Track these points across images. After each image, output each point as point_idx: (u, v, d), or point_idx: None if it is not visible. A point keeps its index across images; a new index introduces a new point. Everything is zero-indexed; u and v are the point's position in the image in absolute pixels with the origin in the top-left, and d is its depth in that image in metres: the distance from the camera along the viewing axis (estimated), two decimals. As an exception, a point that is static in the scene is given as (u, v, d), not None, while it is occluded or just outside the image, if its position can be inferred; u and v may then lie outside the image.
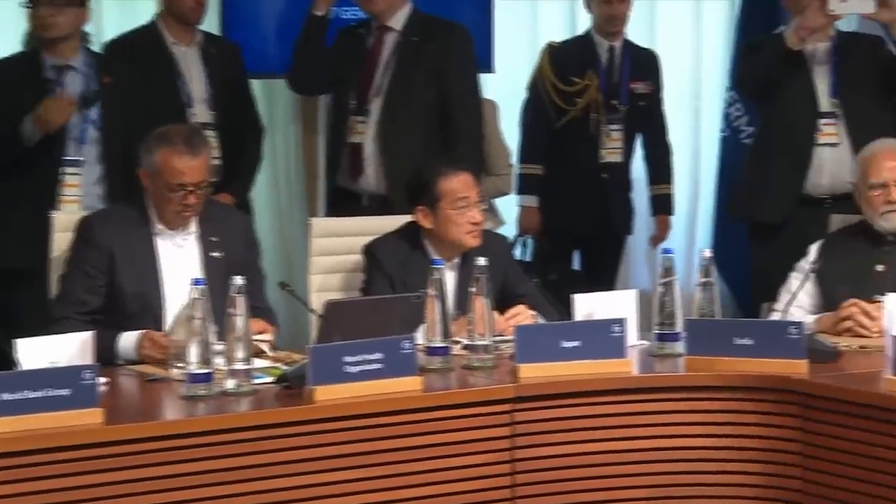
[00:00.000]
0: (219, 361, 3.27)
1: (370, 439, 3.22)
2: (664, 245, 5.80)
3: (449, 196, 4.10)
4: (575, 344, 3.49)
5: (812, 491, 3.36)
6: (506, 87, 6.23)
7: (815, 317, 4.11)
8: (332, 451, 3.18)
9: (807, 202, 5.07)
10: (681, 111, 6.59)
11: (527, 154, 5.90)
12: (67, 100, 4.61)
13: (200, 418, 3.10)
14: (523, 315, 3.97)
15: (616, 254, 6.05)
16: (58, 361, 3.13)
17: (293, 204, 6.16)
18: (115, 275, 3.82)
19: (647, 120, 5.94)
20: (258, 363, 3.45)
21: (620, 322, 3.52)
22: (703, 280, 3.72)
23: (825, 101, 5.09)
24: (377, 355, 3.26)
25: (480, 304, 3.56)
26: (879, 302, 3.80)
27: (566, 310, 3.83)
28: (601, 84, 5.80)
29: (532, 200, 5.88)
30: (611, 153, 5.84)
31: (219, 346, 3.29)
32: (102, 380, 3.19)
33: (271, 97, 5.99)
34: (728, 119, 6.64)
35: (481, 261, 3.57)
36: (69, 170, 4.64)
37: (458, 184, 4.12)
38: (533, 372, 3.44)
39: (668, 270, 3.70)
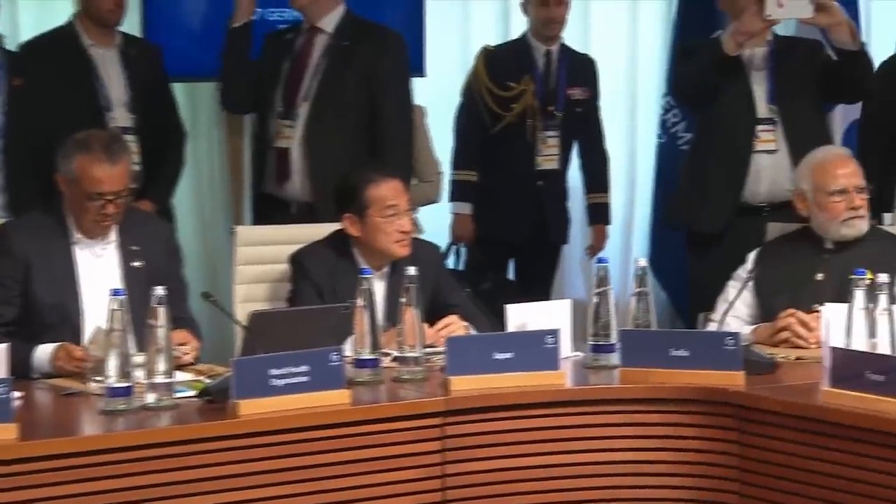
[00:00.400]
0: (139, 375, 3.27)
1: (296, 454, 3.23)
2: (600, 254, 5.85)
3: (377, 203, 4.11)
4: (507, 356, 3.52)
5: (749, 505, 3.41)
6: (437, 91, 6.25)
7: (752, 327, 4.17)
8: (257, 467, 3.18)
9: (745, 210, 5.10)
10: (616, 117, 6.63)
11: (461, 160, 5.92)
12: None
13: (119, 434, 3.09)
14: (455, 326, 4.00)
15: (551, 263, 6.09)
16: (-30, 375, 3.11)
17: (217, 211, 6.13)
18: (31, 285, 3.80)
19: (584, 127, 5.99)
20: (180, 376, 3.44)
21: (554, 333, 3.56)
22: (638, 290, 3.75)
23: (763, 107, 5.13)
24: (304, 368, 3.27)
25: (410, 315, 3.58)
26: (818, 311, 3.86)
27: (499, 320, 3.86)
28: (537, 89, 5.84)
29: (465, 208, 5.90)
30: (547, 160, 5.88)
31: (139, 359, 3.29)
32: (17, 394, 3.17)
33: (194, 100, 5.97)
34: (665, 125, 6.69)
35: (411, 270, 3.59)
36: None
37: (387, 191, 4.14)
38: (464, 384, 3.47)
39: (603, 280, 3.73)
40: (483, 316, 4.21)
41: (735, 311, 4.14)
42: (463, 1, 6.58)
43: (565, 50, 5.97)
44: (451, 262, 5.85)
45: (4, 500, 2.93)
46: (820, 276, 4.20)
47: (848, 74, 5.11)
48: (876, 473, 3.13)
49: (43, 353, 3.69)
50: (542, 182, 5.87)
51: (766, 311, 4.19)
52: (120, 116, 5.09)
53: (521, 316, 3.78)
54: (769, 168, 5.10)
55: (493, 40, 6.23)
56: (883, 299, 3.33)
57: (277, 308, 4.20)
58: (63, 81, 4.91)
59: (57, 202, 3.90)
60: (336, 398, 3.31)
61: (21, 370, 3.49)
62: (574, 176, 6.12)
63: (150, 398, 3.23)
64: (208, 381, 3.42)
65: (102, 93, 5.07)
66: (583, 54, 6.10)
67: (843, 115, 6.39)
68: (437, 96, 6.20)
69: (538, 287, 5.83)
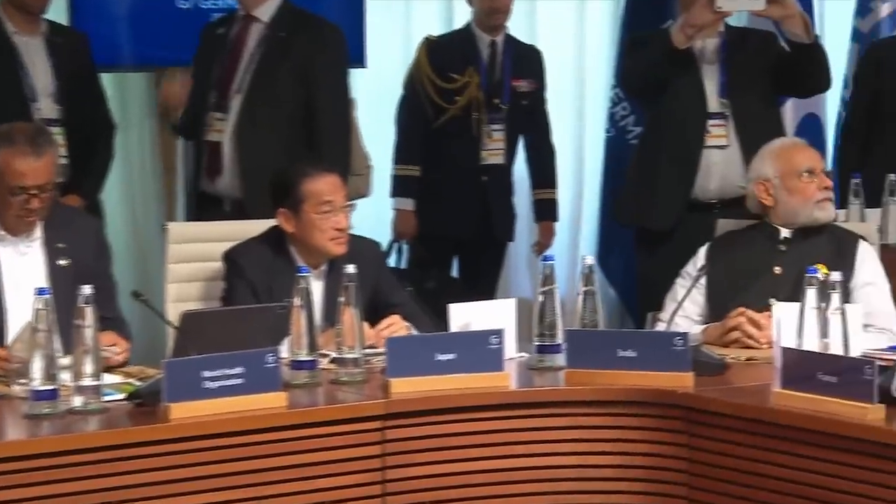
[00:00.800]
0: (65, 377, 3.24)
1: (231, 460, 3.22)
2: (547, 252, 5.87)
3: (313, 199, 4.10)
4: (450, 357, 3.52)
5: (698, 509, 3.44)
6: (379, 83, 6.26)
7: (702, 327, 4.19)
8: (190, 472, 3.17)
9: (695, 207, 5.14)
10: (564, 110, 6.66)
11: (403, 154, 5.93)
12: None
13: (45, 438, 3.07)
14: (396, 326, 4.00)
15: (496, 261, 6.11)
16: None
17: (148, 207, 6.11)
18: (-50, 284, 3.78)
19: (530, 120, 6.01)
20: (108, 379, 3.43)
21: (498, 333, 3.56)
22: (585, 288, 3.76)
23: (714, 101, 5.16)
24: (238, 370, 3.26)
25: (350, 315, 3.58)
26: (773, 306, 3.87)
27: (442, 320, 3.86)
28: (482, 81, 5.86)
29: (408, 203, 5.91)
30: (492, 154, 5.90)
31: (65, 361, 3.27)
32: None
33: (123, 91, 5.94)
34: (613, 118, 6.73)
35: (350, 268, 3.59)
36: None
37: (323, 186, 4.13)
38: (405, 387, 3.47)
39: (549, 278, 3.74)
40: (425, 315, 4.22)
41: (684, 310, 4.16)
42: (405, -10, 6.60)
43: (510, 40, 5.98)
44: (392, 260, 5.86)
45: (-77, 508, 2.92)
46: (778, 270, 4.22)
47: (801, 68, 5.15)
48: (828, 477, 3.16)
49: (-36, 355, 3.66)
50: (487, 177, 5.89)
51: (718, 308, 4.21)
52: (45, 107, 5.06)
53: (465, 315, 3.78)
54: (720, 164, 5.13)
55: (436, 31, 6.23)
56: (835, 298, 3.34)
57: (211, 308, 4.19)
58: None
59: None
60: (272, 401, 3.30)
61: (-59, 373, 3.46)
62: (520, 171, 6.14)
63: (77, 402, 3.21)
64: (138, 383, 3.41)
65: (27, 82, 5.04)
66: (528, 45, 6.13)
67: (794, 109, 6.47)
68: (379, 88, 6.20)
69: (483, 285, 5.85)
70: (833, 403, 3.17)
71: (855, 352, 3.40)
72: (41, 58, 5.09)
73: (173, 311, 4.11)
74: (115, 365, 3.66)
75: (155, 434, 3.14)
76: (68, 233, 3.94)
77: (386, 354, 3.52)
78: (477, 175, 5.87)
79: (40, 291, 3.23)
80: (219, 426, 3.21)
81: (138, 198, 6.12)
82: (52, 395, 3.19)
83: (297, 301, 3.55)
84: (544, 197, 6.11)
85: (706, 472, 3.41)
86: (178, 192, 5.92)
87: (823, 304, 3.36)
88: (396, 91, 6.01)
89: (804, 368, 3.25)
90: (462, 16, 6.10)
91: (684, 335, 3.57)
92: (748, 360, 3.86)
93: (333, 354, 3.65)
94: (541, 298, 3.73)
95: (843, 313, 3.35)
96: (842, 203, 5.19)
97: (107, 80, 5.50)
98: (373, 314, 3.97)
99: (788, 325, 3.47)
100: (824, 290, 3.37)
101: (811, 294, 3.40)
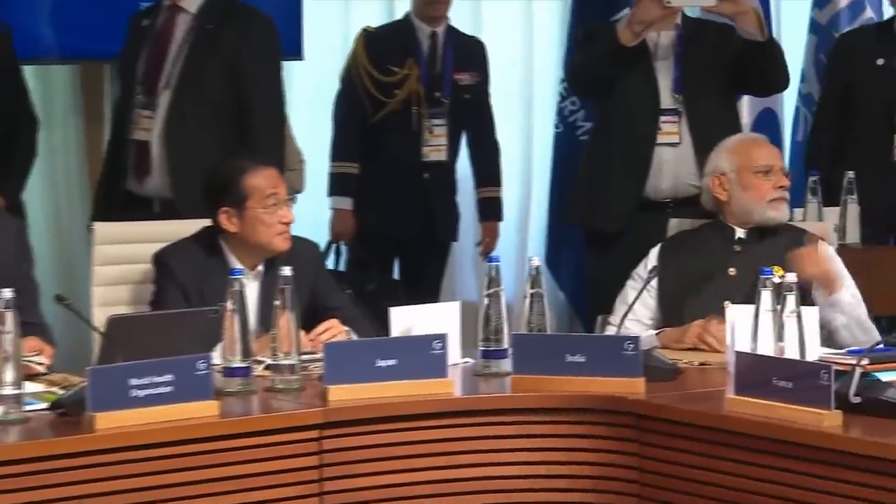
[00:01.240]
0: (-16, 386, 3.23)
1: (160, 472, 3.20)
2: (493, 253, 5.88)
3: (257, 194, 4.10)
4: (391, 363, 3.53)
5: (649, 519, 3.46)
6: (317, 77, 6.25)
7: (654, 332, 4.21)
8: (116, 485, 3.15)
9: (647, 206, 5.16)
10: (510, 105, 6.68)
11: (340, 151, 5.92)
12: None
13: (-37, 451, 3.05)
14: (334, 330, 4.01)
15: (440, 262, 6.12)
16: None
17: (73, 207, 6.07)
18: None
19: (473, 115, 6.02)
20: (30, 387, 3.40)
21: (441, 338, 3.57)
22: (532, 291, 3.77)
23: (667, 97, 5.18)
24: (167, 377, 3.25)
25: (286, 319, 3.57)
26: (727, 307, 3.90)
27: (383, 324, 3.87)
28: (422, 74, 5.86)
29: (346, 202, 5.91)
30: (434, 151, 5.90)
31: (-16, 369, 3.25)
32: None
33: (47, 85, 5.91)
34: (562, 114, 6.74)
35: (286, 270, 3.58)
36: None
37: (264, 179, 4.13)
38: (344, 394, 3.47)
39: (494, 280, 3.74)
40: (365, 320, 4.22)
41: (635, 313, 4.18)
42: (344, -20, 6.60)
43: (452, 32, 5.99)
44: (330, 262, 5.85)
45: None
46: (733, 272, 4.25)
47: (756, 66, 5.18)
48: (783, 486, 3.18)
49: None
50: (429, 174, 5.89)
51: (671, 311, 4.24)
52: (-36, 102, 5.03)
53: (407, 319, 3.79)
54: (672, 162, 5.16)
55: (378, 22, 6.23)
56: (791, 300, 3.36)
57: (139, 312, 4.18)
58: None
59: None
60: (203, 410, 3.29)
61: None
62: (464, 168, 6.14)
63: (-3, 411, 3.19)
64: (62, 392, 3.39)
65: (-57, 76, 5.01)
66: (471, 36, 6.13)
67: (750, 104, 6.52)
68: (317, 82, 6.20)
69: (426, 288, 5.85)
70: (788, 410, 3.19)
71: (811, 356, 3.44)
72: (-42, 51, 5.06)
73: (99, 316, 4.09)
74: (37, 373, 3.63)
75: (79, 445, 3.12)
76: (-13, 234, 3.91)
77: (324, 360, 3.52)
78: (418, 172, 5.87)
79: (-43, 295, 3.20)
80: (147, 437, 3.19)
81: (62, 197, 6.08)
82: (-30, 405, 3.17)
83: (230, 304, 3.54)
84: (488, 195, 6.12)
85: (657, 482, 3.43)
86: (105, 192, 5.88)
87: (779, 307, 3.39)
88: (335, 85, 6.00)
89: (758, 373, 3.27)
90: (404, 7, 6.10)
91: (635, 339, 3.59)
92: (702, 364, 3.88)
93: (268, 361, 3.65)
94: (486, 301, 3.74)
95: (798, 316, 3.37)
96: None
97: (29, 73, 5.46)
98: (310, 318, 3.97)
99: (742, 328, 3.50)
100: (779, 292, 3.39)
101: (766, 296, 3.42)
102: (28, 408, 3.26)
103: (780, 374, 3.22)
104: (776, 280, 3.42)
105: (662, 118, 5.16)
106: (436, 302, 5.00)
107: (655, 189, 5.17)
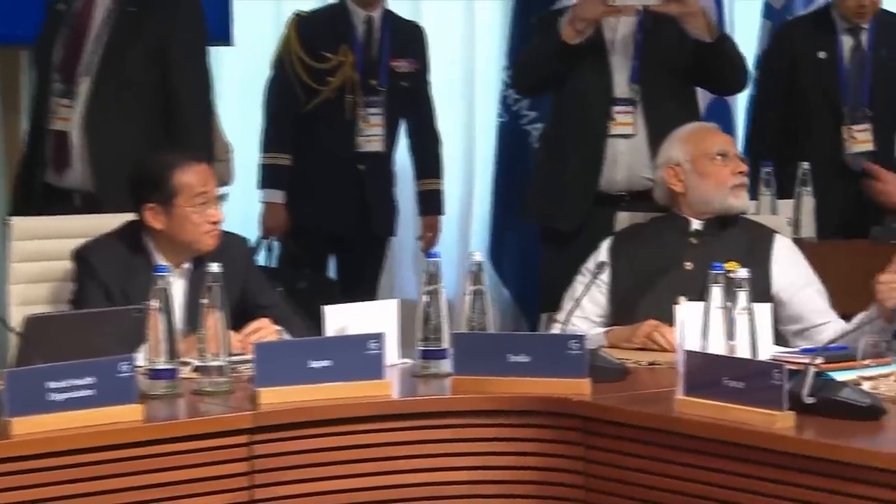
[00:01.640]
0: None
1: (81, 479, 3.18)
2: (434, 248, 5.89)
3: (186, 191, 4.10)
4: (325, 364, 3.52)
5: (595, 526, 3.47)
6: (248, 63, 6.24)
7: (603, 330, 4.23)
8: (34, 494, 3.13)
9: (602, 200, 5.18)
10: (451, 93, 6.69)
11: (271, 141, 5.91)
12: None
13: None
14: (265, 330, 4.01)
15: (377, 258, 6.11)
16: None
17: (-12, 200, 6.04)
18: None
19: (412, 103, 6.02)
20: (-57, 392, 3.39)
21: (378, 338, 3.57)
22: (474, 287, 3.78)
23: (623, 87, 5.22)
24: (88, 380, 3.23)
25: (214, 319, 3.56)
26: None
27: (317, 323, 3.87)
28: (357, 60, 5.85)
29: (277, 196, 5.90)
30: (369, 141, 5.89)
31: None
32: None
33: (-40, 73, 5.88)
34: (506, 102, 6.75)
35: (214, 267, 3.57)
36: None
37: (194, 177, 4.13)
38: (275, 397, 3.46)
39: (433, 277, 3.75)
40: (298, 318, 4.22)
41: (583, 310, 4.20)
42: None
43: (389, 16, 5.98)
44: (261, 258, 5.84)
45: None
46: (688, 265, 4.27)
47: (708, 66, 5.22)
48: (735, 491, 3.19)
49: None
50: (365, 166, 5.89)
51: (623, 308, 4.26)
52: None
53: (342, 318, 3.79)
54: (626, 153, 5.19)
55: (311, 5, 6.22)
56: (742, 296, 3.37)
57: (58, 311, 4.16)
58: None
59: None
60: (126, 414, 3.28)
61: None
62: (403, 159, 6.14)
63: None
64: (-24, 396, 3.37)
65: None
66: (409, 21, 6.13)
67: (702, 92, 6.54)
68: (247, 69, 6.19)
69: (362, 285, 5.85)
70: (739, 411, 3.20)
71: (763, 355, 3.46)
72: None
73: (16, 315, 4.08)
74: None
75: (-6, 452, 3.11)
76: None
77: (254, 362, 3.52)
78: (353, 163, 5.86)
79: None
80: (67, 442, 3.17)
81: (-23, 190, 6.05)
82: None
83: (154, 303, 3.53)
84: (428, 188, 6.11)
85: (604, 487, 3.44)
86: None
87: (730, 303, 3.40)
88: (266, 72, 5.99)
89: (709, 373, 3.28)
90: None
91: (580, 338, 3.59)
92: (651, 364, 3.90)
93: (196, 362, 3.64)
94: (425, 299, 3.75)
95: (750, 313, 3.38)
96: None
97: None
98: (240, 317, 3.96)
99: (693, 325, 3.51)
100: (730, 287, 3.40)
101: (716, 292, 3.43)
102: (-60, 413, 3.24)
103: (732, 373, 3.23)
104: (727, 275, 3.43)
105: (616, 108, 5.21)
106: (373, 300, 5.02)
107: (610, 182, 5.21)
